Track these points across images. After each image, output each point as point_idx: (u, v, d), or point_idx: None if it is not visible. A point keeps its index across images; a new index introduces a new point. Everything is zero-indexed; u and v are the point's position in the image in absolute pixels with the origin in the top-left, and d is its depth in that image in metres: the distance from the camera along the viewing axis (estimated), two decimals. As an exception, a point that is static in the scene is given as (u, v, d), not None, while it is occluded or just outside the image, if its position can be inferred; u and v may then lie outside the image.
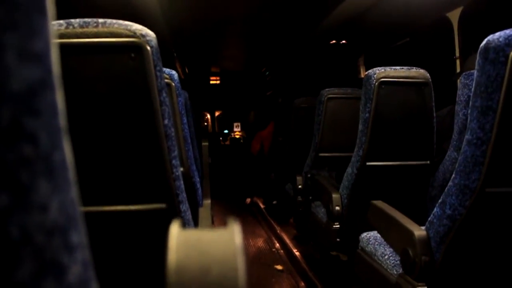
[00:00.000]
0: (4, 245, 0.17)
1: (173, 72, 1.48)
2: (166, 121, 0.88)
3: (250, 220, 4.53)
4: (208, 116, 7.66)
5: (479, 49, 0.98)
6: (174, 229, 0.32)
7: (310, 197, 2.54)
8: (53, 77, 0.20)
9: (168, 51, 3.98)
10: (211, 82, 7.18)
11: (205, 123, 7.58)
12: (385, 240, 1.47)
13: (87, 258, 0.22)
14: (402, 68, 1.73)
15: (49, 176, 0.19)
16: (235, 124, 7.57)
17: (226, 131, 7.65)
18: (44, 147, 0.19)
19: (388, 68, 1.72)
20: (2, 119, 0.17)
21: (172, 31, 3.54)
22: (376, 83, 1.69)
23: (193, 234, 0.32)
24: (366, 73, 1.75)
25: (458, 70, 2.37)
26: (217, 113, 7.84)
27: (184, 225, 0.97)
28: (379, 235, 1.52)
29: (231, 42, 4.77)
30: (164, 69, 1.28)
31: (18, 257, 0.18)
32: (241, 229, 0.33)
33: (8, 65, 0.17)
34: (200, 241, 0.30)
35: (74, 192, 0.22)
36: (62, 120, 0.21)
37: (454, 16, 2.38)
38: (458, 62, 2.38)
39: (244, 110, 7.53)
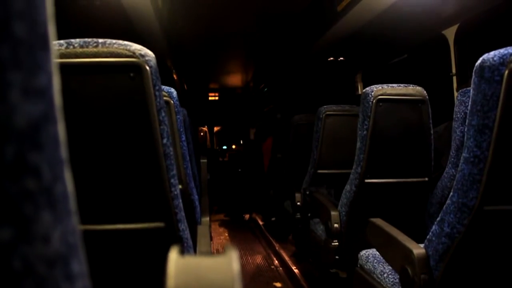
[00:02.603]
0: (6, 278, 0.17)
1: (172, 90, 1.49)
2: (165, 140, 0.88)
3: (249, 236, 4.49)
4: (205, 129, 7.61)
5: (475, 68, 0.99)
6: (173, 255, 0.32)
7: (309, 214, 2.53)
8: (55, 110, 0.21)
9: (167, 67, 4.01)
10: (210, 98, 7.21)
11: (201, 133, 7.50)
12: (384, 258, 1.46)
13: (87, 286, 0.23)
14: (399, 86, 1.75)
15: (51, 207, 0.19)
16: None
17: (225, 147, 7.62)
18: (46, 179, 0.19)
19: (385, 86, 1.73)
20: (6, 154, 0.17)
21: (171, 47, 3.57)
22: (374, 101, 1.70)
23: (192, 261, 0.32)
24: (364, 90, 1.76)
25: (455, 86, 2.39)
26: (215, 129, 7.84)
27: (183, 244, 0.97)
28: (378, 252, 1.51)
29: (230, 59, 4.80)
30: (163, 86, 1.29)
31: None
32: (238, 255, 0.33)
33: (12, 102, 0.18)
34: (198, 268, 0.30)
35: (75, 221, 0.22)
36: (63, 151, 0.21)
37: (450, 33, 2.41)
38: (454, 79, 2.40)
39: (243, 126, 7.50)
